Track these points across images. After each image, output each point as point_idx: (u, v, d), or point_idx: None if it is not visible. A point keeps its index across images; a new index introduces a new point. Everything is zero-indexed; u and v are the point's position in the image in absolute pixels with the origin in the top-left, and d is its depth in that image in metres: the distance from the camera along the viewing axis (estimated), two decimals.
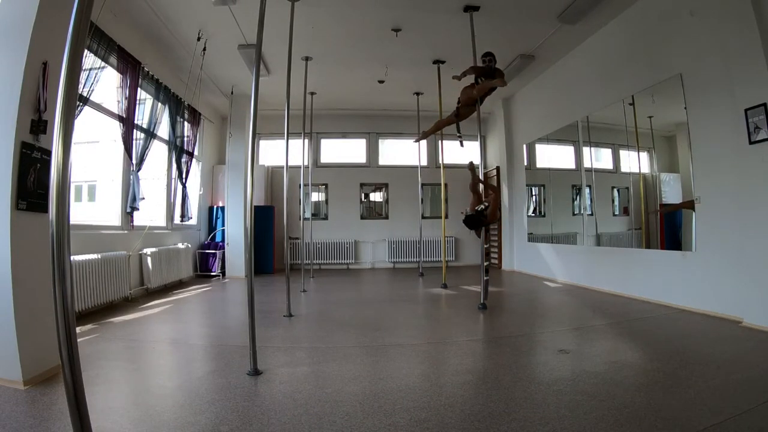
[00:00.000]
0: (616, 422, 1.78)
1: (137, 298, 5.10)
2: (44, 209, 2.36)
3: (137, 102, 5.16)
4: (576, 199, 6.40)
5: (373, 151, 9.53)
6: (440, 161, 7.38)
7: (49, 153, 2.36)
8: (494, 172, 8.92)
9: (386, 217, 9.40)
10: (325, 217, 9.30)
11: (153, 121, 5.58)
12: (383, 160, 9.58)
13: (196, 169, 7.61)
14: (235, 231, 7.53)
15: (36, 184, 2.33)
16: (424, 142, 8.92)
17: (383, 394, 2.15)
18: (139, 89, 5.21)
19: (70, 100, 1.13)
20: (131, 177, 5.09)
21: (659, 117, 4.74)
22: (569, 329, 3.58)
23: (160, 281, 5.64)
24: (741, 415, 1.82)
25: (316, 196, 9.32)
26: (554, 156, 7.00)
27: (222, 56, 6.06)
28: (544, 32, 5.55)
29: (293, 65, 4.84)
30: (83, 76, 4.00)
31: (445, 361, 2.78)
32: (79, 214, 5.14)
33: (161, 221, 6.33)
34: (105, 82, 4.65)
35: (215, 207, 8.19)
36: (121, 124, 4.87)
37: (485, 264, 4.44)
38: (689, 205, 4.07)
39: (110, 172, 5.15)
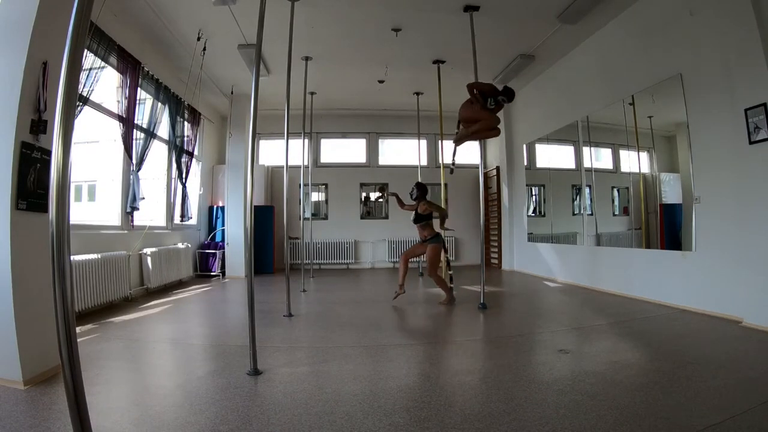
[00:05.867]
0: (616, 422, 1.78)
1: (137, 298, 5.10)
2: (44, 209, 2.35)
3: (137, 102, 5.16)
4: (576, 199, 6.39)
5: (373, 151, 9.53)
6: (440, 161, 7.40)
7: (49, 153, 2.36)
8: (494, 172, 8.93)
9: (386, 217, 9.40)
10: (325, 217, 9.30)
11: (153, 121, 5.57)
12: (383, 160, 9.59)
13: (196, 169, 7.61)
14: (235, 231, 7.53)
15: (36, 184, 2.33)
16: (423, 142, 8.95)
17: (383, 394, 2.15)
18: (139, 89, 5.21)
19: (70, 100, 1.13)
20: (131, 177, 5.09)
21: (659, 117, 4.74)
22: (569, 329, 3.58)
23: (160, 281, 5.64)
24: (741, 415, 1.81)
25: (316, 196, 9.32)
26: (554, 156, 7.00)
27: (222, 56, 6.06)
28: (544, 32, 5.56)
29: (293, 65, 4.84)
30: (83, 76, 4.00)
31: (445, 361, 2.78)
32: (79, 214, 5.14)
33: (161, 221, 6.33)
34: (105, 82, 4.65)
35: (215, 207, 8.19)
36: (121, 124, 4.87)
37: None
38: None
39: (110, 172, 5.15)
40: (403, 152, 9.58)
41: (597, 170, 5.82)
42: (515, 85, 7.46)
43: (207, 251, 7.60)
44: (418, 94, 7.78)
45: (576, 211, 6.36)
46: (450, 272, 4.82)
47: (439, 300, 4.76)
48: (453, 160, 5.02)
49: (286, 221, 5.13)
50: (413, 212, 4.80)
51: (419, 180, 7.52)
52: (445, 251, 4.80)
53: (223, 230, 7.78)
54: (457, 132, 4.65)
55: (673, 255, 4.36)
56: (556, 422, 1.80)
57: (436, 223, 4.75)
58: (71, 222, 1.19)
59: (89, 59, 4.15)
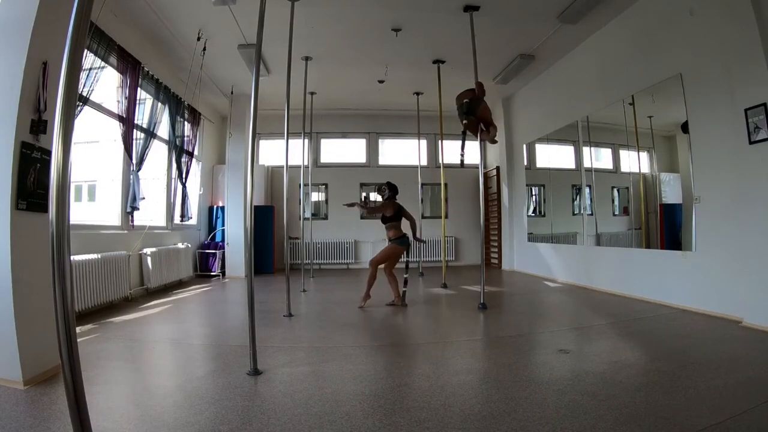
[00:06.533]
0: (616, 422, 1.78)
1: (137, 298, 5.10)
2: (44, 209, 2.35)
3: (137, 102, 5.16)
4: (576, 199, 6.40)
5: (373, 151, 9.53)
6: (440, 161, 7.40)
7: (49, 153, 2.36)
8: (494, 172, 8.93)
9: None
10: (325, 217, 9.30)
11: (153, 121, 5.57)
12: (383, 160, 9.58)
13: (196, 169, 7.61)
14: (235, 231, 7.53)
15: (36, 184, 2.33)
16: (423, 142, 8.94)
17: (383, 394, 2.15)
18: (139, 89, 5.21)
19: (70, 100, 1.13)
20: (131, 177, 5.09)
21: (659, 117, 4.74)
22: (569, 329, 3.58)
23: (160, 281, 5.64)
24: (741, 415, 1.81)
25: (316, 196, 9.32)
26: (554, 156, 7.00)
27: (222, 56, 6.06)
28: (544, 32, 5.55)
29: (293, 65, 4.84)
30: (83, 76, 4.00)
31: (445, 361, 2.78)
32: (79, 214, 5.14)
33: (161, 221, 6.33)
34: (105, 82, 4.65)
35: (215, 207, 8.19)
36: (121, 124, 4.87)
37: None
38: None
39: (110, 172, 5.15)
40: (403, 152, 9.58)
41: (597, 170, 5.82)
42: (515, 85, 7.49)
43: (207, 251, 7.60)
44: (418, 94, 7.78)
45: (576, 211, 6.36)
46: (405, 275, 4.73)
47: (388, 301, 4.69)
48: (463, 152, 4.94)
49: (286, 221, 5.14)
50: (381, 213, 4.73)
51: (420, 180, 7.62)
52: (407, 255, 4.72)
53: (223, 230, 7.78)
54: (464, 124, 4.55)
55: (673, 255, 4.36)
56: (556, 422, 1.80)
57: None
58: (71, 222, 1.19)
59: (89, 59, 4.14)
